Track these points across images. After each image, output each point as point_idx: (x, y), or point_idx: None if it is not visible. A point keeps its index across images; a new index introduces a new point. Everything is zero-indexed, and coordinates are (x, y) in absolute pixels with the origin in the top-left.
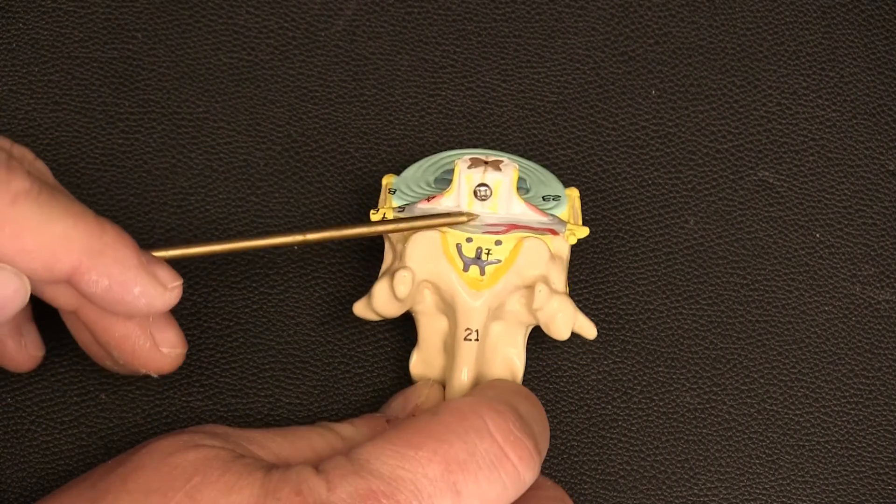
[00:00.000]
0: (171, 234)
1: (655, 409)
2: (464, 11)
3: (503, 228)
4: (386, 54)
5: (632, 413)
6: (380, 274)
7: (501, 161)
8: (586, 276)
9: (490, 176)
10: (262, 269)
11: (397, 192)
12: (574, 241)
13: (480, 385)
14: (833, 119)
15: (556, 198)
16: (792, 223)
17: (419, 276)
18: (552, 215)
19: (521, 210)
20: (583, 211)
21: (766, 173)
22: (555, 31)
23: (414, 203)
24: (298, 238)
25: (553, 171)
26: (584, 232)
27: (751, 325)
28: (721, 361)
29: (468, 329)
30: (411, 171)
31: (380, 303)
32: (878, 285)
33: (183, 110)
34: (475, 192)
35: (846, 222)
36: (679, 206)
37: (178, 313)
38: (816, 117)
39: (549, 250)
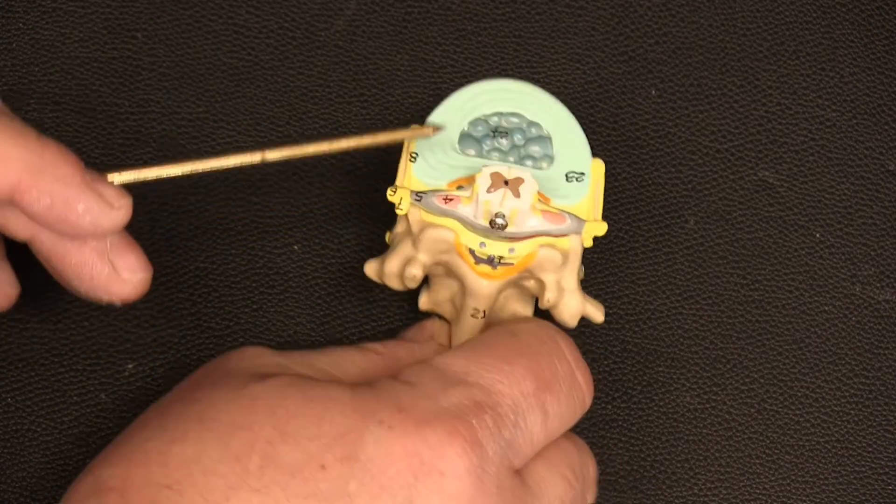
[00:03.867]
0: (171, 233)
1: (655, 409)
2: (464, 11)
3: (519, 237)
4: (386, 54)
5: (632, 413)
6: (391, 239)
7: (521, 182)
8: (586, 276)
9: (508, 204)
10: (261, 269)
11: (419, 159)
12: (591, 244)
13: (518, 319)
14: (833, 119)
15: (581, 176)
16: (792, 223)
17: (431, 262)
18: (571, 216)
19: (537, 223)
20: None
21: (766, 173)
22: (555, 31)
23: (433, 195)
24: (257, 157)
25: None
26: (602, 229)
27: (751, 325)
28: (721, 361)
29: (475, 309)
30: (439, 122)
31: (389, 280)
32: (878, 285)
33: (183, 110)
34: (491, 223)
35: (846, 222)
36: (679, 206)
37: (178, 313)
38: (816, 117)
39: (563, 255)
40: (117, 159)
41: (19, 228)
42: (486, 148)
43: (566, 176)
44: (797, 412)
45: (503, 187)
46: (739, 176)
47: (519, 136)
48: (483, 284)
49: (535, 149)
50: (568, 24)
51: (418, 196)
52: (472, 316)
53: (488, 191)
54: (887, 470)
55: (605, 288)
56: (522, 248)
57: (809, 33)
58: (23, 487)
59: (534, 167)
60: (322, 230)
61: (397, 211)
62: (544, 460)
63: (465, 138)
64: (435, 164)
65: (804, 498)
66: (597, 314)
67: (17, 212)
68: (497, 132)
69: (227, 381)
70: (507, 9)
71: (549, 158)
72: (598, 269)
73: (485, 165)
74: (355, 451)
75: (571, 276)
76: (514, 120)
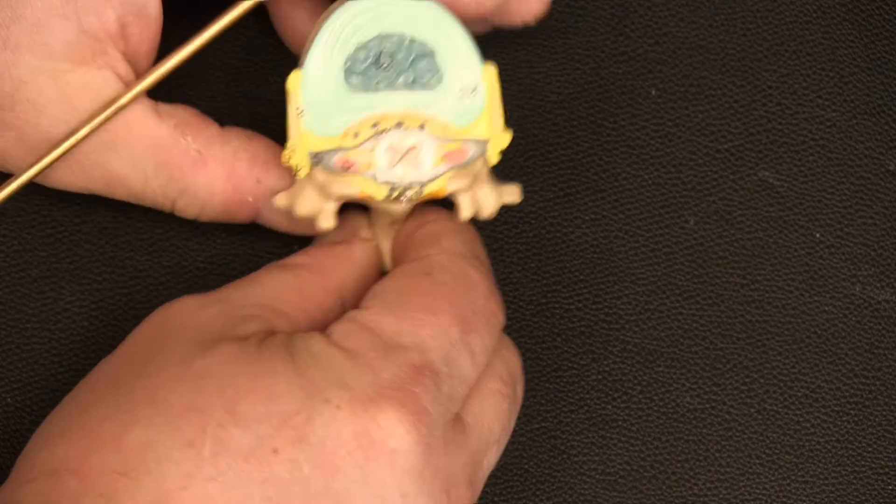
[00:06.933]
0: (171, 234)
1: (655, 409)
2: None
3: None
4: None
5: (632, 413)
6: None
7: (417, 150)
8: (586, 276)
9: (409, 177)
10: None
11: (307, 111)
12: (498, 159)
13: (428, 229)
14: (833, 119)
15: (474, 89)
16: (792, 223)
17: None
18: (472, 142)
19: (442, 168)
20: (581, 210)
21: (766, 173)
22: (555, 31)
23: (331, 155)
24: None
25: (553, 171)
26: (506, 141)
27: (751, 325)
28: (721, 361)
29: (392, 220)
30: (319, 65)
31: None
32: (878, 285)
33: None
34: (396, 198)
35: (846, 222)
36: (679, 206)
37: None
38: (816, 117)
39: (472, 177)
40: None
41: None
42: (371, 81)
43: (460, 93)
44: (797, 412)
45: (401, 161)
46: (739, 176)
47: (402, 58)
48: (394, 208)
49: (422, 69)
50: (568, 24)
51: (316, 158)
52: (389, 224)
53: (388, 167)
54: (887, 470)
55: (605, 288)
56: (431, 186)
57: (809, 33)
58: None
59: (424, 90)
60: None
61: (297, 175)
62: (475, 389)
63: (349, 74)
64: (324, 114)
65: (804, 498)
66: (514, 196)
67: None
68: (380, 58)
69: (173, 350)
70: None
71: (438, 76)
72: (598, 269)
73: (374, 126)
74: (305, 433)
75: (481, 185)
76: (395, 39)
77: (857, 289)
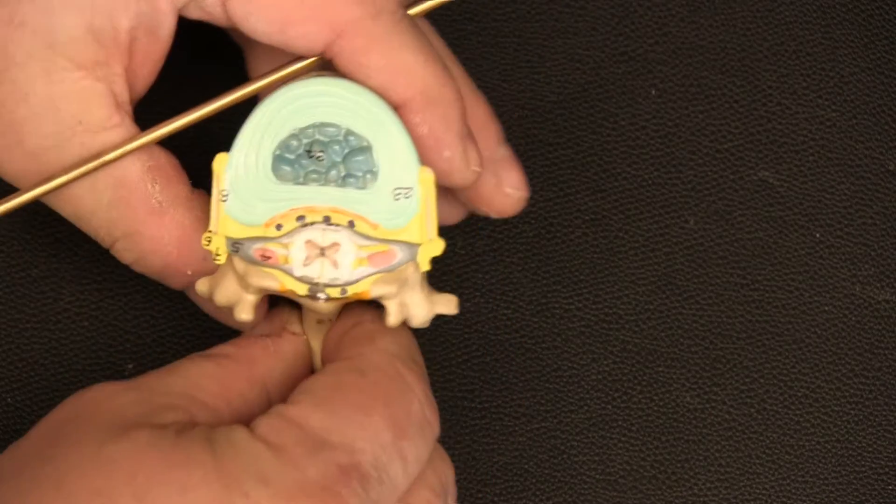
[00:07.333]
0: None
1: (655, 409)
2: (464, 11)
3: (349, 282)
4: None
5: (632, 413)
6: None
7: (338, 248)
8: (586, 276)
9: (327, 275)
10: None
11: (230, 196)
12: (429, 267)
13: (363, 329)
14: (833, 119)
15: (408, 191)
16: (792, 223)
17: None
18: (401, 245)
19: (365, 270)
20: (581, 210)
21: (766, 173)
22: (555, 31)
23: (250, 245)
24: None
25: (553, 172)
26: (439, 249)
27: (751, 325)
28: (721, 361)
29: (321, 318)
30: (248, 148)
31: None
32: (878, 285)
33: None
34: (312, 296)
35: (846, 222)
36: (679, 206)
37: (178, 313)
38: (816, 117)
39: (399, 282)
40: None
41: None
42: (301, 171)
43: (393, 194)
44: (797, 412)
45: (319, 258)
46: (739, 176)
47: (336, 150)
48: (318, 306)
49: (356, 164)
50: (568, 24)
51: (235, 247)
52: (318, 322)
53: (304, 264)
54: (887, 470)
55: (605, 288)
56: (355, 288)
57: (809, 33)
58: None
59: (356, 187)
60: None
61: (214, 260)
62: (404, 499)
63: (279, 162)
64: (249, 201)
65: (804, 498)
66: (449, 308)
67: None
68: (312, 149)
69: (84, 435)
70: (507, 9)
71: (373, 174)
72: (598, 269)
73: (299, 219)
74: None
75: (413, 293)
76: (331, 130)
77: (857, 289)
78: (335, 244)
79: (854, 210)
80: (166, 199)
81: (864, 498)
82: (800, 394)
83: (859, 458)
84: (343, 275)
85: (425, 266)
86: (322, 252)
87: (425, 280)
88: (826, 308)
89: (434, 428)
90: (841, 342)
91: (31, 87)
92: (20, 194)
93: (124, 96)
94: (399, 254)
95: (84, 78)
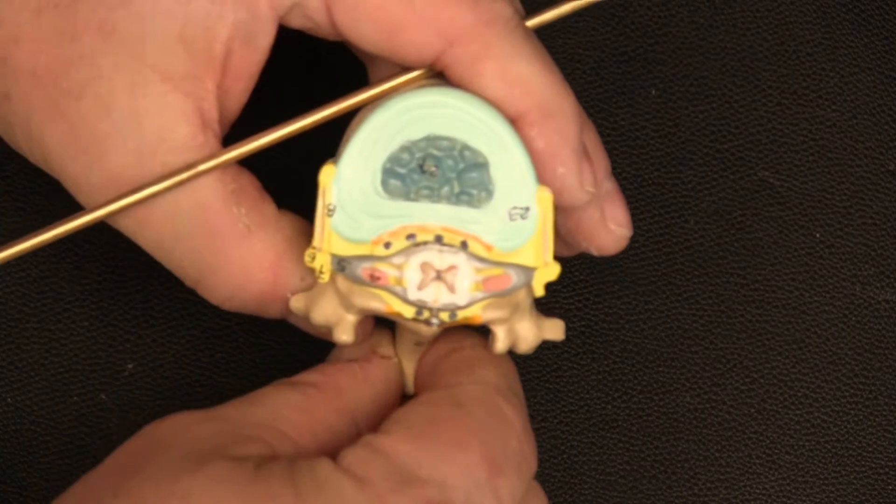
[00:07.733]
0: None
1: (655, 409)
2: None
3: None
4: None
5: (632, 413)
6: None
7: (455, 271)
8: (586, 276)
9: (442, 300)
10: None
11: (337, 211)
12: (543, 293)
13: (462, 355)
14: (833, 119)
15: (525, 212)
16: (792, 223)
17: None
18: (516, 269)
19: (479, 294)
20: None
21: (766, 173)
22: (555, 31)
23: (357, 264)
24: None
25: None
26: (554, 273)
27: (751, 325)
28: (721, 361)
29: (418, 342)
30: (358, 161)
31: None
32: (878, 285)
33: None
34: (425, 321)
35: (846, 222)
36: (679, 206)
37: (178, 313)
38: (816, 117)
39: (512, 307)
40: None
41: None
42: (413, 187)
43: (509, 214)
44: (797, 412)
45: (435, 281)
46: (739, 176)
47: (451, 165)
48: (423, 330)
49: (471, 181)
50: (568, 24)
51: (341, 265)
52: (417, 343)
53: (419, 287)
54: (887, 470)
55: (605, 288)
56: (465, 312)
57: (809, 33)
58: (23, 487)
59: (470, 205)
60: None
61: (318, 279)
62: None
63: (389, 176)
64: (355, 216)
65: (804, 498)
66: (557, 333)
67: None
68: (425, 164)
69: (159, 467)
70: None
71: (488, 192)
72: (598, 269)
73: (410, 237)
74: None
75: (522, 318)
76: (445, 144)
77: (857, 289)
78: (452, 267)
79: (854, 210)
80: (254, 221)
81: (864, 498)
82: (800, 394)
83: (859, 458)
84: (460, 300)
85: (539, 292)
86: (438, 275)
87: (533, 304)
88: (826, 308)
89: (531, 464)
90: (841, 342)
91: (114, 101)
92: (87, 212)
93: (212, 114)
94: (514, 278)
95: (170, 92)
